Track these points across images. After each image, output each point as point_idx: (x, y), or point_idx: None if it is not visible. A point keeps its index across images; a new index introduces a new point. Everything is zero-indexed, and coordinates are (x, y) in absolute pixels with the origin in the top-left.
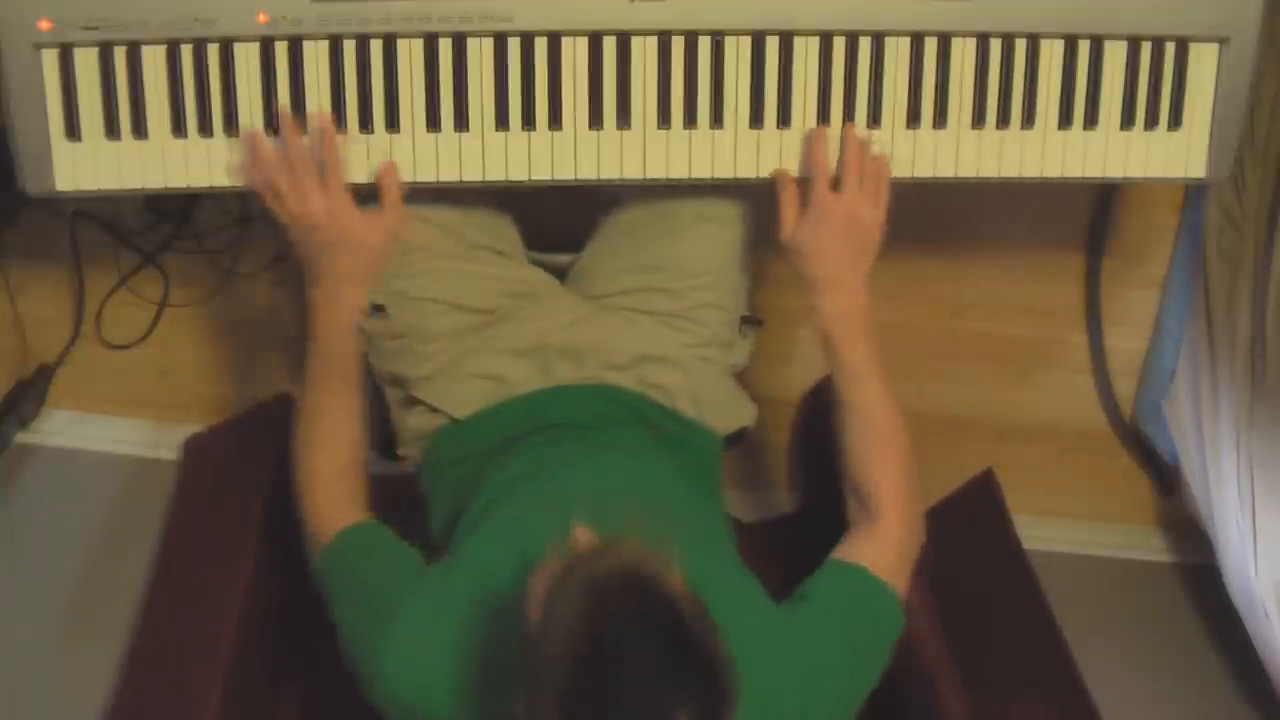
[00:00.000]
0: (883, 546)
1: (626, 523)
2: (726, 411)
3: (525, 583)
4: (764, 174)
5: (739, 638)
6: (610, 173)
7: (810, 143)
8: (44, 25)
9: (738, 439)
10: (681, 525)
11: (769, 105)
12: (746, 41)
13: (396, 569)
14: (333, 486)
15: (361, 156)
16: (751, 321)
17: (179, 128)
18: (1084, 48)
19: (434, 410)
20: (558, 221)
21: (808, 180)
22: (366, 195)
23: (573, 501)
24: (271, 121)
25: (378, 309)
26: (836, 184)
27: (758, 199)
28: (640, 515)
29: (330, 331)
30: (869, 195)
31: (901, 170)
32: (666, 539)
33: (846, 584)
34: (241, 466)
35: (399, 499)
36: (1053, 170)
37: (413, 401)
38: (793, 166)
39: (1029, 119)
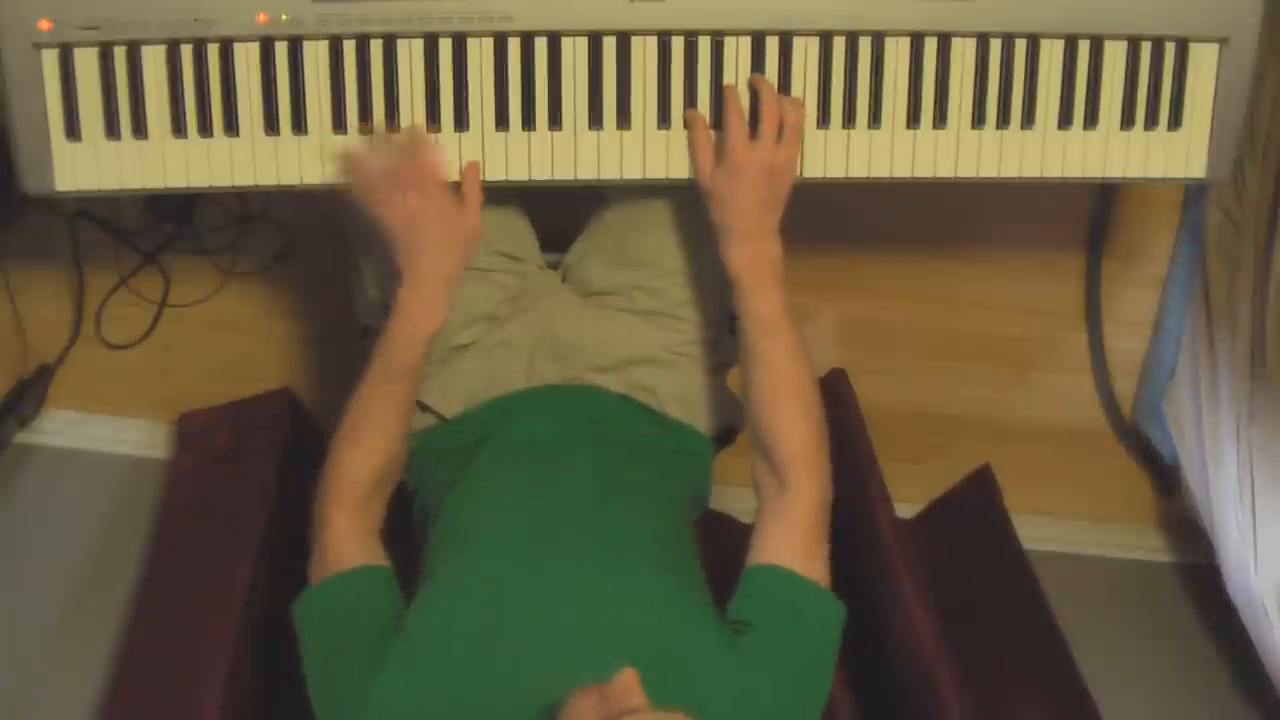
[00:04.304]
0: (797, 526)
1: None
2: (715, 411)
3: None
4: None
5: (689, 685)
6: (610, 173)
7: (728, 91)
8: (44, 25)
9: (728, 439)
10: (621, 564)
11: None
12: (746, 41)
13: (368, 640)
14: (361, 506)
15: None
16: None
17: (179, 128)
18: (1084, 48)
19: (425, 409)
20: (560, 220)
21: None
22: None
23: (515, 556)
24: (272, 122)
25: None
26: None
27: None
28: (579, 558)
29: (412, 331)
30: (786, 142)
31: (901, 170)
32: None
33: (780, 601)
34: (239, 454)
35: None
36: (1053, 170)
37: None
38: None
39: (1029, 119)
